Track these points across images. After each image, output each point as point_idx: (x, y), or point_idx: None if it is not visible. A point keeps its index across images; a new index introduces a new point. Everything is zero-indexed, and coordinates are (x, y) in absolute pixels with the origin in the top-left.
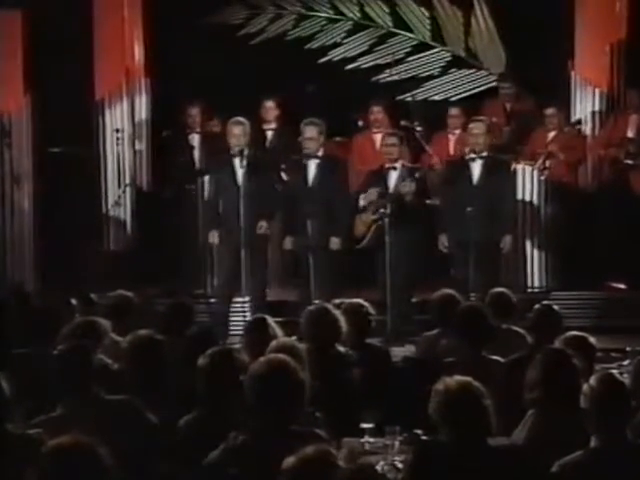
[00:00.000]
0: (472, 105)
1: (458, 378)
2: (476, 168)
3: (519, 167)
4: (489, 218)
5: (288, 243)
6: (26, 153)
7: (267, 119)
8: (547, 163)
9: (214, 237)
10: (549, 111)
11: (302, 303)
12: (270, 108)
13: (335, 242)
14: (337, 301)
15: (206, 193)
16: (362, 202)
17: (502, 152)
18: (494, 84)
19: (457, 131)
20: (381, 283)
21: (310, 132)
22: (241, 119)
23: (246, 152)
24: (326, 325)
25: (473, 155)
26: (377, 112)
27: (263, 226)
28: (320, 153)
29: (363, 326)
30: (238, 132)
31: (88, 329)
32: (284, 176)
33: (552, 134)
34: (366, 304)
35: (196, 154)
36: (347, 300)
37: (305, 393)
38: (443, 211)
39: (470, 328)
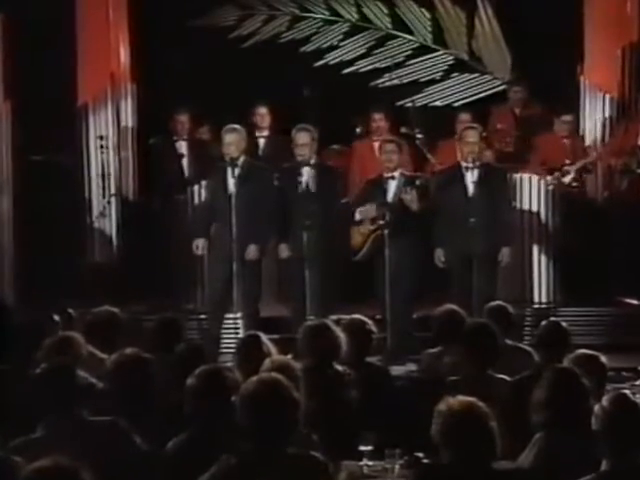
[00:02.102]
0: (476, 111)
1: (462, 398)
2: (472, 177)
3: (525, 176)
4: (487, 229)
5: (283, 251)
6: (6, 161)
7: (260, 126)
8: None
9: (199, 247)
10: (566, 118)
11: (298, 319)
12: (264, 115)
13: (327, 255)
14: (334, 317)
15: (197, 203)
16: (358, 216)
17: (511, 160)
18: (499, 89)
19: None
20: (380, 298)
21: (303, 138)
22: (235, 126)
23: (240, 161)
24: (325, 342)
25: (467, 164)
26: (379, 120)
27: (251, 252)
28: (313, 161)
29: (364, 344)
30: (231, 140)
31: (64, 345)
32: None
33: (567, 141)
34: (369, 321)
35: (185, 162)
36: (347, 316)
37: (299, 414)
38: (438, 223)
39: (477, 345)
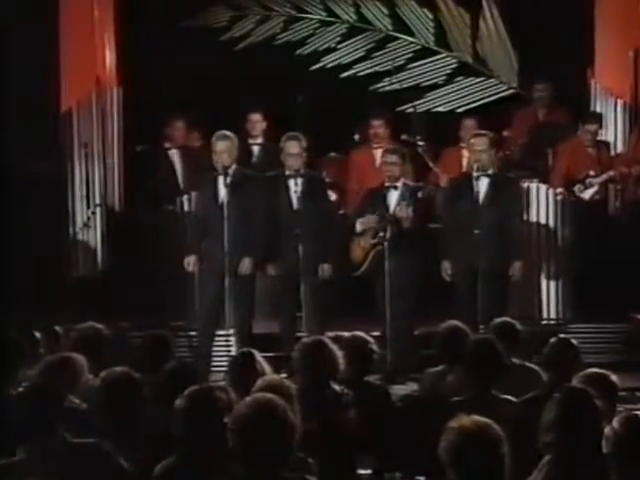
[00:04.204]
0: (481, 117)
1: (476, 418)
2: (481, 187)
3: (532, 185)
4: (496, 242)
5: (270, 270)
6: None
7: (253, 133)
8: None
9: (190, 264)
10: (591, 127)
11: (293, 336)
12: (257, 121)
13: (326, 269)
14: (331, 334)
15: (187, 214)
16: (359, 227)
17: (515, 169)
18: (505, 94)
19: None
20: (380, 314)
21: (293, 148)
22: (227, 133)
23: (231, 170)
24: (322, 361)
25: (479, 173)
26: (377, 126)
27: (246, 265)
28: (303, 170)
29: (365, 364)
30: (222, 148)
31: (62, 366)
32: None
33: (592, 151)
34: (371, 340)
35: (179, 171)
36: (345, 333)
37: (294, 436)
38: (446, 234)
39: (481, 363)
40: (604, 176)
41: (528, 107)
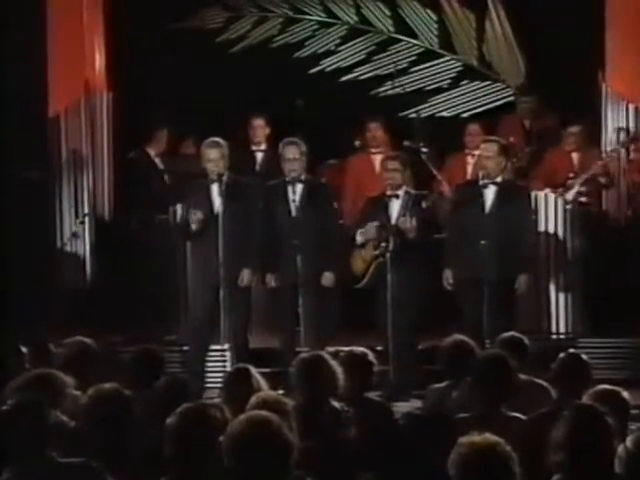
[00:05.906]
0: (486, 122)
1: (488, 435)
2: (489, 195)
3: (540, 194)
4: (503, 253)
5: (270, 281)
6: None
7: (255, 140)
8: (583, 189)
9: (196, 215)
10: (574, 129)
11: (291, 351)
12: (259, 127)
13: (328, 278)
14: (331, 349)
15: (179, 225)
16: (359, 238)
17: (522, 176)
18: (511, 98)
19: (477, 152)
20: (382, 328)
21: (292, 152)
22: (218, 140)
23: (225, 177)
24: (321, 377)
25: (486, 180)
26: (374, 129)
27: (245, 277)
28: (304, 176)
29: (364, 379)
30: (215, 155)
31: (44, 384)
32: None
33: (575, 155)
34: (370, 353)
35: (166, 179)
36: (345, 348)
37: (291, 454)
38: (450, 243)
39: (491, 380)
40: (583, 176)
41: (511, 115)
